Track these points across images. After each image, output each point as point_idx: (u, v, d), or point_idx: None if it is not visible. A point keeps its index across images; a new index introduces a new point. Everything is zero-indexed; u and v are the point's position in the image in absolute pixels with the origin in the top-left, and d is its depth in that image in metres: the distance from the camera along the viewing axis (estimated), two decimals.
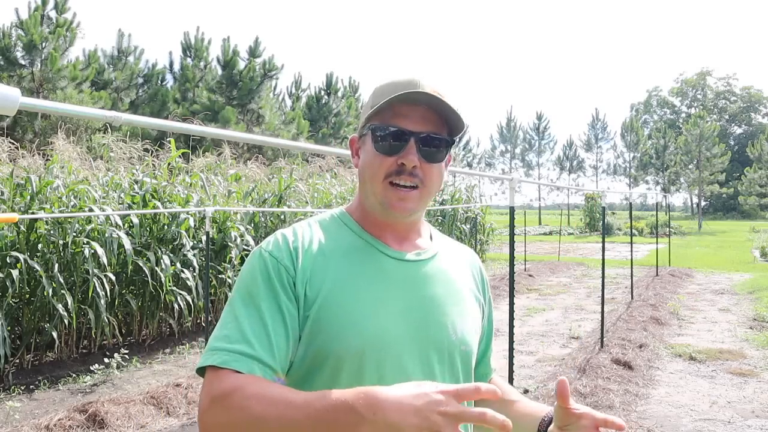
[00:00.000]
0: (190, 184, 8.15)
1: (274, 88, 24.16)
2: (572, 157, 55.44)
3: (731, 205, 56.16)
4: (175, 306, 6.94)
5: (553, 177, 55.64)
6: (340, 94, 28.12)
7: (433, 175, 1.07)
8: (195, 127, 1.88)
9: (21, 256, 5.59)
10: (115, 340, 6.72)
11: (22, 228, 5.88)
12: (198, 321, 7.72)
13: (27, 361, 5.89)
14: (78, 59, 17.86)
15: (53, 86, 16.05)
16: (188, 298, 7.01)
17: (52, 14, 16.80)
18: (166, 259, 6.79)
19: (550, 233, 32.82)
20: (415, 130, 1.04)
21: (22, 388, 5.30)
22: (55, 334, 5.70)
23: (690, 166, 42.01)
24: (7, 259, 5.64)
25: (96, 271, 6.02)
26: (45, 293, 5.69)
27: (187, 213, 7.15)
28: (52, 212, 6.13)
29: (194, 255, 7.23)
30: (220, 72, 21.84)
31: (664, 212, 28.80)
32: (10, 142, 7.15)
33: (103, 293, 6.02)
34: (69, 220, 6.09)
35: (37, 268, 5.66)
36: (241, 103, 21.22)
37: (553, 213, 60.67)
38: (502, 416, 0.74)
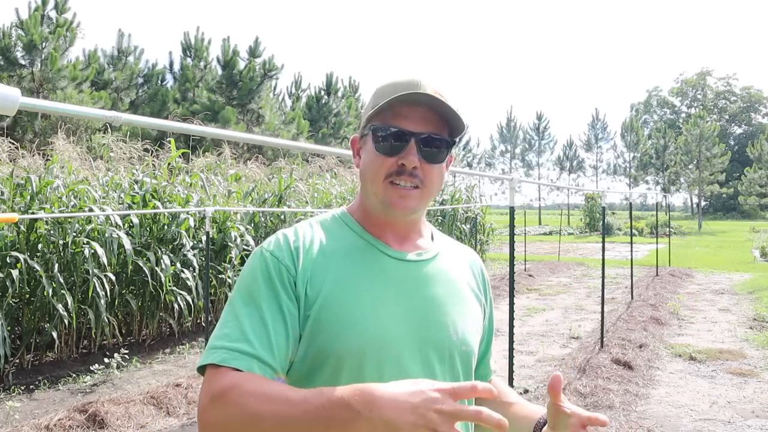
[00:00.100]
0: (190, 184, 8.14)
1: (274, 88, 24.18)
2: (572, 157, 55.45)
3: (731, 205, 56.17)
4: (175, 306, 6.94)
5: (553, 177, 55.68)
6: (340, 94, 28.12)
7: (433, 175, 1.07)
8: (195, 127, 1.88)
9: (21, 256, 5.59)
10: (115, 340, 6.72)
11: (22, 228, 5.88)
12: (198, 321, 7.72)
13: (27, 361, 5.89)
14: (78, 59, 17.87)
15: (53, 86, 16.05)
16: (188, 298, 7.01)
17: (52, 14, 16.81)
18: (166, 259, 6.79)
19: (550, 233, 32.82)
20: (415, 131, 1.04)
21: (22, 388, 5.30)
22: (55, 334, 5.70)
23: (690, 166, 42.02)
24: (7, 259, 5.64)
25: (96, 271, 6.01)
26: (45, 293, 5.69)
27: (187, 213, 7.15)
28: (52, 212, 6.13)
29: (194, 255, 7.23)
30: (220, 72, 21.84)
31: (664, 212, 28.80)
32: (10, 142, 7.15)
33: (103, 293, 6.02)
34: (69, 220, 6.09)
35: (37, 268, 5.66)
36: (241, 103, 21.22)
37: (553, 213, 60.67)
38: (498, 415, 0.74)
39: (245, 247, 7.88)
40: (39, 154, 7.45)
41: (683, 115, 72.60)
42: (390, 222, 1.10)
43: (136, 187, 7.35)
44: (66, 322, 5.75)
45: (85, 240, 6.11)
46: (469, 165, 53.62)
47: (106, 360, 5.91)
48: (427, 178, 1.06)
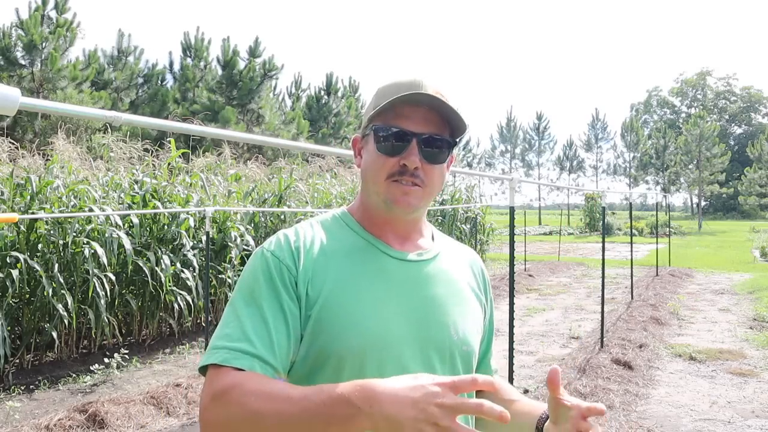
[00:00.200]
0: (190, 184, 8.14)
1: (274, 88, 24.18)
2: (572, 157, 55.45)
3: (731, 205, 56.17)
4: (175, 306, 6.94)
5: (553, 177, 55.67)
6: (340, 94, 28.12)
7: (434, 176, 1.07)
8: (195, 127, 1.88)
9: (21, 256, 5.59)
10: (115, 340, 6.72)
11: (22, 228, 5.88)
12: (198, 321, 7.71)
13: (27, 361, 5.89)
14: (78, 59, 17.87)
15: (53, 86, 16.04)
16: (188, 298, 7.01)
17: (53, 14, 16.81)
18: (166, 259, 6.79)
19: (550, 233, 32.82)
20: (417, 131, 1.04)
21: (22, 388, 5.30)
22: (55, 334, 5.70)
23: (690, 166, 42.02)
24: (7, 259, 5.64)
25: (96, 271, 6.01)
26: (45, 293, 5.69)
27: (187, 213, 7.15)
28: (52, 212, 6.13)
29: (194, 255, 7.23)
30: (220, 72, 21.83)
31: (664, 212, 28.80)
32: (10, 142, 7.15)
33: (103, 293, 6.02)
34: (69, 220, 6.09)
35: (37, 268, 5.66)
36: (241, 103, 21.22)
37: (553, 213, 60.67)
38: (500, 407, 0.74)
39: (245, 247, 7.88)
40: (39, 154, 7.45)
41: (683, 115, 72.60)
42: (391, 222, 1.11)
43: (136, 187, 7.35)
44: (66, 322, 5.74)
45: (85, 240, 6.10)
46: (469, 165, 53.63)
47: (106, 360, 5.91)
48: (428, 179, 1.06)
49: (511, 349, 3.87)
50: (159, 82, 22.13)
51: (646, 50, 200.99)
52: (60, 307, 5.66)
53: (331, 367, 0.98)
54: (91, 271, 5.97)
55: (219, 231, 7.80)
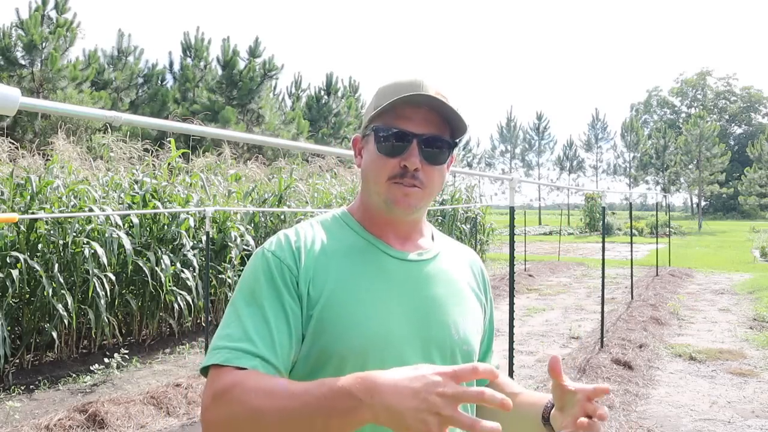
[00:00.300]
0: (190, 184, 8.14)
1: (274, 88, 24.18)
2: (572, 157, 55.45)
3: (731, 205, 56.17)
4: (175, 306, 6.94)
5: (553, 177, 55.67)
6: (340, 94, 28.12)
7: (434, 177, 1.08)
8: (195, 127, 1.88)
9: (21, 256, 5.59)
10: (115, 340, 6.72)
11: (22, 228, 5.88)
12: (198, 321, 7.71)
13: (27, 361, 5.89)
14: (78, 59, 17.88)
15: (53, 86, 16.04)
16: (188, 298, 7.01)
17: (53, 14, 16.81)
18: (166, 259, 6.79)
19: (550, 233, 32.82)
20: (417, 132, 1.04)
21: (22, 388, 5.30)
22: (55, 334, 5.70)
23: (690, 166, 42.01)
24: (7, 259, 5.64)
25: (96, 271, 6.01)
26: (45, 293, 5.69)
27: (187, 213, 7.15)
28: (52, 212, 6.13)
29: (194, 255, 7.23)
30: (220, 72, 21.84)
31: (664, 212, 28.80)
32: (10, 142, 7.14)
33: (103, 293, 6.02)
34: (69, 220, 6.09)
35: (37, 268, 5.66)
36: (241, 103, 21.22)
37: (553, 213, 60.67)
38: (501, 395, 0.74)
39: (245, 247, 7.88)
40: (39, 154, 7.45)
41: (683, 115, 72.60)
42: (392, 222, 1.11)
43: (136, 187, 7.35)
44: (66, 322, 5.74)
45: (85, 240, 6.10)
46: (469, 165, 53.62)
47: (106, 360, 5.91)
48: (428, 180, 1.07)
49: (511, 349, 3.87)
50: (159, 82, 22.13)
51: (646, 50, 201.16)
52: (60, 307, 5.66)
53: (333, 367, 0.98)
54: (91, 271, 5.97)
55: (219, 231, 7.80)
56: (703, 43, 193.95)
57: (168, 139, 8.64)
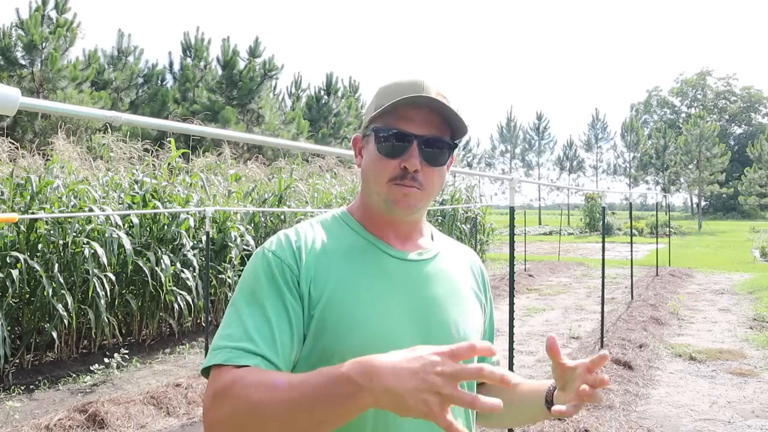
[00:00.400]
0: (190, 184, 8.14)
1: (274, 88, 24.18)
2: (572, 157, 55.44)
3: (731, 205, 56.16)
4: (175, 306, 6.94)
5: (553, 177, 55.66)
6: (340, 94, 28.12)
7: (434, 178, 1.08)
8: (195, 127, 1.88)
9: (21, 256, 5.59)
10: (115, 340, 6.72)
11: (22, 228, 5.88)
12: (198, 321, 7.71)
13: (27, 361, 5.89)
14: (78, 59, 17.88)
15: (53, 86, 16.05)
16: (188, 298, 7.01)
17: (53, 14, 16.82)
18: (166, 259, 6.79)
19: (550, 233, 32.82)
20: (417, 133, 1.05)
21: (22, 388, 5.30)
22: (55, 334, 5.70)
23: (690, 166, 42.01)
24: (7, 259, 5.64)
25: (96, 271, 6.01)
26: (45, 293, 5.69)
27: (187, 213, 7.15)
28: (52, 212, 6.13)
29: (194, 255, 7.23)
30: (220, 72, 21.84)
31: (664, 212, 28.80)
32: (10, 142, 7.14)
33: (103, 293, 6.02)
34: (69, 220, 6.09)
35: (37, 268, 5.66)
36: (241, 103, 21.22)
37: (553, 213, 60.67)
38: (502, 370, 0.74)
39: (245, 247, 7.88)
40: (39, 154, 7.45)
41: (683, 115, 72.59)
42: (392, 222, 1.11)
43: (136, 187, 7.35)
44: (66, 322, 5.74)
45: (85, 240, 6.10)
46: (469, 165, 53.62)
47: (106, 360, 5.91)
48: (428, 181, 1.07)
49: (511, 349, 3.87)
50: (159, 82, 22.13)
51: (646, 50, 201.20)
52: (60, 307, 5.66)
53: None
54: (91, 271, 5.97)
55: (219, 231, 7.80)
56: (703, 43, 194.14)
57: (168, 139, 8.64)
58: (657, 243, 15.67)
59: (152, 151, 8.36)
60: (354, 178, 12.31)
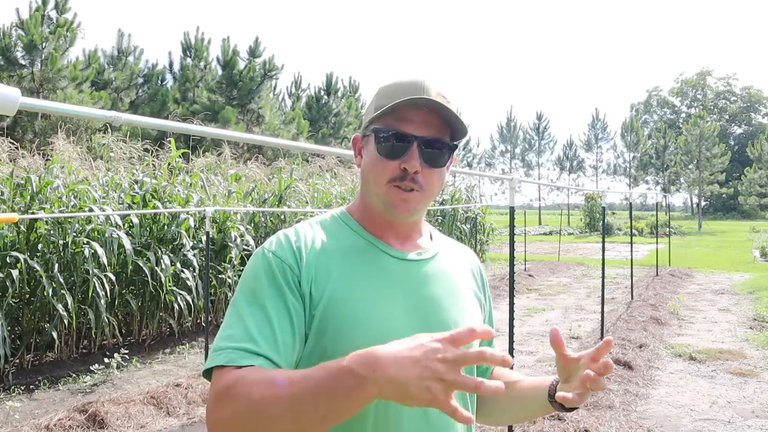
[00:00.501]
0: (190, 184, 8.14)
1: (274, 88, 24.19)
2: (572, 157, 55.43)
3: (731, 205, 56.16)
4: (175, 306, 6.94)
5: (553, 177, 55.66)
6: (340, 94, 28.12)
7: (434, 179, 1.08)
8: (195, 127, 1.88)
9: (21, 256, 5.59)
10: (115, 340, 6.72)
11: (22, 228, 5.88)
12: (198, 321, 7.71)
13: (27, 361, 5.89)
14: (78, 59, 17.88)
15: (53, 86, 16.05)
16: (188, 298, 7.01)
17: (53, 14, 16.82)
18: (166, 259, 6.79)
19: (550, 233, 32.82)
20: (417, 135, 1.04)
21: (22, 388, 5.30)
22: (55, 334, 5.70)
23: (690, 166, 42.00)
24: (7, 259, 5.64)
25: (96, 271, 6.01)
26: (45, 293, 5.69)
27: (187, 213, 7.15)
28: (52, 212, 6.13)
29: (194, 255, 7.23)
30: (220, 72, 21.84)
31: (664, 212, 28.81)
32: (10, 142, 7.15)
33: (103, 293, 6.02)
34: (69, 220, 6.09)
35: (37, 268, 5.66)
36: (241, 103, 21.22)
37: (553, 213, 60.66)
38: (502, 352, 0.74)
39: (245, 247, 7.88)
40: (39, 154, 7.45)
41: (683, 115, 72.59)
42: (391, 222, 1.11)
43: (136, 187, 7.35)
44: (66, 322, 5.74)
45: (85, 240, 6.10)
46: (469, 165, 53.62)
47: (106, 360, 5.91)
48: (427, 182, 1.07)
49: (511, 349, 3.87)
50: (159, 82, 22.14)
51: (646, 50, 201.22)
52: (60, 307, 5.66)
53: None
54: (91, 271, 5.97)
55: (219, 231, 7.80)
56: (703, 43, 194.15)
57: (168, 139, 8.64)
58: (657, 243, 15.68)
59: (152, 151, 8.36)
60: (354, 178, 12.31)
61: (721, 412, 4.74)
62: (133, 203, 7.17)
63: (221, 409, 0.86)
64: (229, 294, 7.74)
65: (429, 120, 1.05)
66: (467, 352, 0.75)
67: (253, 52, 22.02)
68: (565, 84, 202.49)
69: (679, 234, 30.62)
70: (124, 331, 6.96)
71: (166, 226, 7.19)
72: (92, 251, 6.01)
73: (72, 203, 6.48)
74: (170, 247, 7.14)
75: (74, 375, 5.68)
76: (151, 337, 7.09)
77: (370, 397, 0.77)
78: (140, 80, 21.60)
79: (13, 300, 5.77)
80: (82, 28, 17.36)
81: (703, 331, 7.71)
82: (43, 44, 16.06)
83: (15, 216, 4.03)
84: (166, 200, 7.41)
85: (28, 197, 6.09)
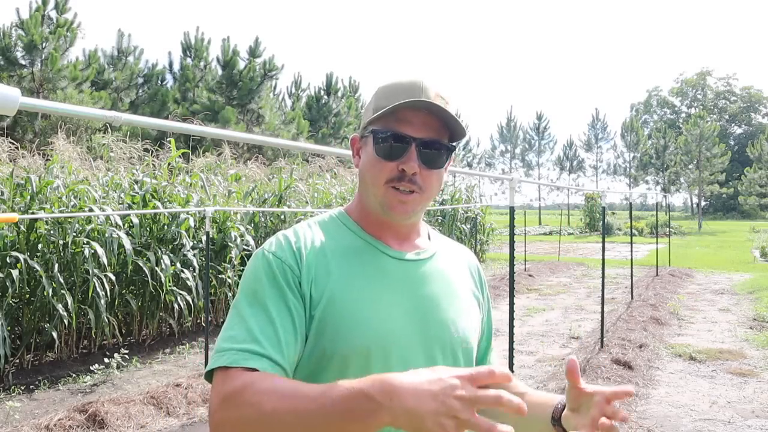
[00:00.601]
0: (190, 184, 8.14)
1: (274, 88, 24.18)
2: (572, 157, 55.43)
3: (731, 205, 56.16)
4: (175, 306, 6.94)
5: (553, 177, 55.66)
6: (340, 94, 28.11)
7: (432, 181, 1.08)
8: (195, 127, 1.88)
9: (21, 256, 5.59)
10: (115, 340, 6.72)
11: (22, 228, 5.88)
12: (198, 321, 7.71)
13: (27, 361, 5.89)
14: (78, 59, 17.88)
15: (53, 86, 16.05)
16: (188, 298, 7.01)
17: (53, 14, 16.82)
18: (166, 259, 6.79)
19: (550, 233, 32.82)
20: (416, 136, 1.04)
21: (22, 388, 5.30)
22: (55, 334, 5.70)
23: (690, 166, 42.00)
24: (7, 259, 5.64)
25: (96, 271, 6.01)
26: (45, 293, 5.69)
27: (187, 213, 7.15)
28: (52, 212, 6.13)
29: (194, 255, 7.23)
30: (220, 72, 21.84)
31: (664, 212, 28.81)
32: (10, 142, 7.15)
33: (103, 293, 6.02)
34: (69, 220, 6.09)
35: (37, 268, 5.66)
36: (241, 103, 21.22)
37: (553, 213, 60.65)
38: (518, 399, 0.74)
39: (245, 247, 7.88)
40: (39, 154, 7.45)
41: (683, 115, 72.58)
42: (389, 223, 1.11)
43: (136, 187, 7.35)
44: (66, 322, 5.74)
45: (85, 240, 6.11)
46: (469, 165, 53.61)
47: (106, 360, 5.91)
48: (426, 184, 1.07)
49: (511, 349, 3.87)
50: (159, 82, 22.13)
51: (646, 50, 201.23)
52: (60, 307, 5.66)
53: (336, 367, 0.98)
54: (91, 271, 5.97)
55: (219, 231, 7.80)
56: (703, 43, 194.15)
57: (168, 139, 8.64)
58: (657, 243, 15.68)
59: (152, 151, 8.36)
60: (354, 178, 12.31)
61: (721, 412, 4.74)
62: (133, 203, 7.18)
63: (227, 412, 0.86)
64: (229, 294, 7.75)
65: (428, 121, 1.05)
66: (485, 393, 0.75)
67: (253, 52, 22.02)
68: (565, 84, 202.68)
69: (679, 234, 30.62)
70: (124, 331, 6.96)
71: (166, 226, 7.19)
72: (92, 251, 6.01)
73: (72, 203, 6.49)
74: (170, 247, 7.14)
75: (74, 375, 5.68)
76: (151, 337, 7.09)
77: (383, 425, 0.77)
78: (140, 80, 21.60)
79: (13, 300, 5.77)
80: (82, 28, 17.37)
81: (703, 331, 7.71)
82: (43, 44, 16.06)
83: (15, 216, 4.03)
84: (166, 200, 7.41)
85: (28, 197, 6.09)
